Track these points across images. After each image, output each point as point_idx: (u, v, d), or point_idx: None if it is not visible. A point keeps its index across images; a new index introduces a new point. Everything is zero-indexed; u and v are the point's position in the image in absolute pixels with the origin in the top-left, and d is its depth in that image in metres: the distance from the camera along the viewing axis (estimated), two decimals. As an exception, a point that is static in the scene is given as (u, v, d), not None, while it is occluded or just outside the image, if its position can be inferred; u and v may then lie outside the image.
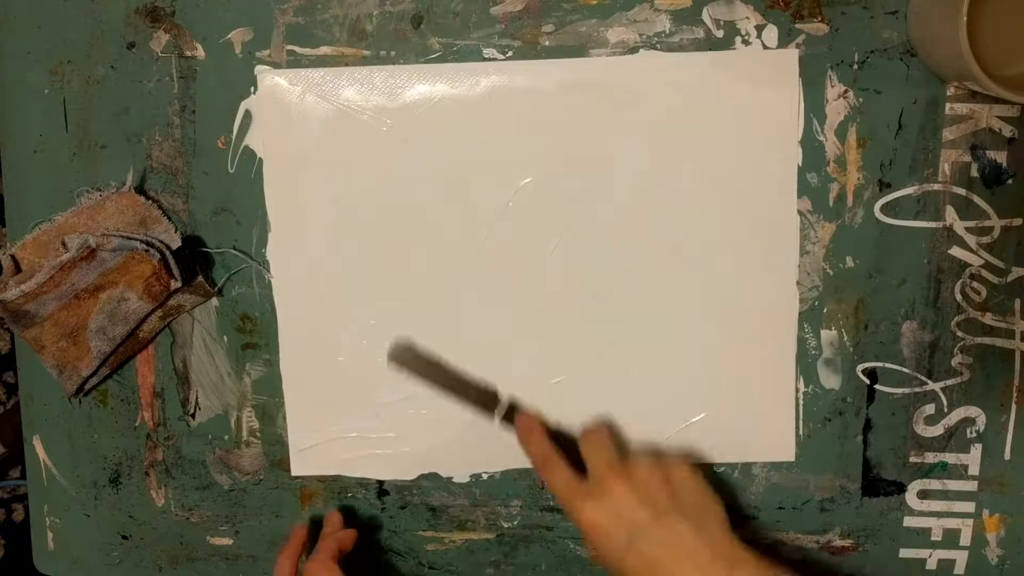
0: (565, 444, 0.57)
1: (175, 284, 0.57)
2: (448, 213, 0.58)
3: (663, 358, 0.60)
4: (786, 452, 0.61)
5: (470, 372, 0.60)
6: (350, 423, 0.61)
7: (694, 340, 0.59)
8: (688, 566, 0.50)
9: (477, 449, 0.61)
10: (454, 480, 0.63)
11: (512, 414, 0.59)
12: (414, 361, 0.59)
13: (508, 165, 0.58)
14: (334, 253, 0.59)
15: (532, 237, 0.58)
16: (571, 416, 0.60)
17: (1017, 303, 0.59)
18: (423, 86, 0.57)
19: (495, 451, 0.61)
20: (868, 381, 0.60)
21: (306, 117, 0.57)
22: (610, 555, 0.52)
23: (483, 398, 0.59)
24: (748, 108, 0.57)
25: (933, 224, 0.58)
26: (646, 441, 0.60)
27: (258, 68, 0.57)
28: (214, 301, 0.61)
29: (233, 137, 0.59)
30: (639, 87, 0.57)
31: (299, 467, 0.62)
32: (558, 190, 0.58)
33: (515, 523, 0.63)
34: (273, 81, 0.57)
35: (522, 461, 0.58)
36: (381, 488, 0.63)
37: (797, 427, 0.60)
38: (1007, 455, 0.61)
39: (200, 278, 0.59)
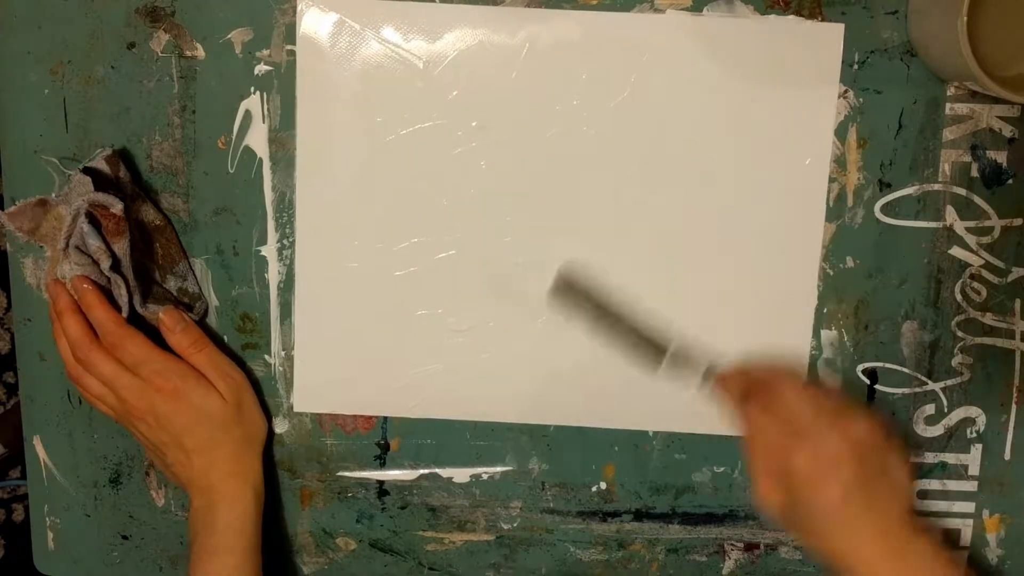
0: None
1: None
2: (477, 157, 0.58)
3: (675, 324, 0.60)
4: None
5: (637, 315, 0.58)
6: (359, 352, 0.61)
7: (708, 312, 0.59)
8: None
9: (484, 395, 0.61)
10: (454, 480, 0.63)
11: (682, 360, 0.57)
12: (578, 296, 0.57)
13: (539, 113, 0.58)
14: (359, 188, 0.59)
15: (556, 186, 0.58)
16: (582, 368, 0.60)
17: (1017, 303, 0.59)
18: (463, 28, 0.57)
19: (500, 400, 0.61)
20: (868, 381, 0.60)
21: (342, 49, 0.57)
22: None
23: (648, 343, 0.57)
24: (785, 79, 0.56)
25: (933, 224, 0.58)
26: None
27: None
28: (214, 300, 0.61)
29: (233, 137, 0.59)
30: (677, 47, 0.56)
31: (302, 403, 0.62)
32: (585, 142, 0.58)
33: (515, 525, 0.63)
34: (313, 4, 0.57)
35: (526, 416, 0.60)
36: (381, 488, 0.63)
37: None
38: (1007, 455, 0.61)
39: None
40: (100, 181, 0.56)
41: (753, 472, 0.52)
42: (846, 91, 0.57)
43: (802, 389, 0.52)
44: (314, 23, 0.57)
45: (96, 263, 0.55)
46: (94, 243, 0.54)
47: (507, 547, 0.64)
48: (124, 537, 0.65)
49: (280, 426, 0.62)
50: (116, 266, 0.55)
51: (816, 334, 0.59)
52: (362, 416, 0.62)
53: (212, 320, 0.61)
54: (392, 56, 0.57)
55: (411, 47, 0.57)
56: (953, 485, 0.61)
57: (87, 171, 0.56)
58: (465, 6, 0.57)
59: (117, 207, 0.54)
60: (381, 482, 0.63)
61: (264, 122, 0.58)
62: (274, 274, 0.60)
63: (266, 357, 0.61)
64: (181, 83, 0.58)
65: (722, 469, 0.62)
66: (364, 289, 0.60)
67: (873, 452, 0.50)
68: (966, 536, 0.61)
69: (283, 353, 0.61)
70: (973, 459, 0.61)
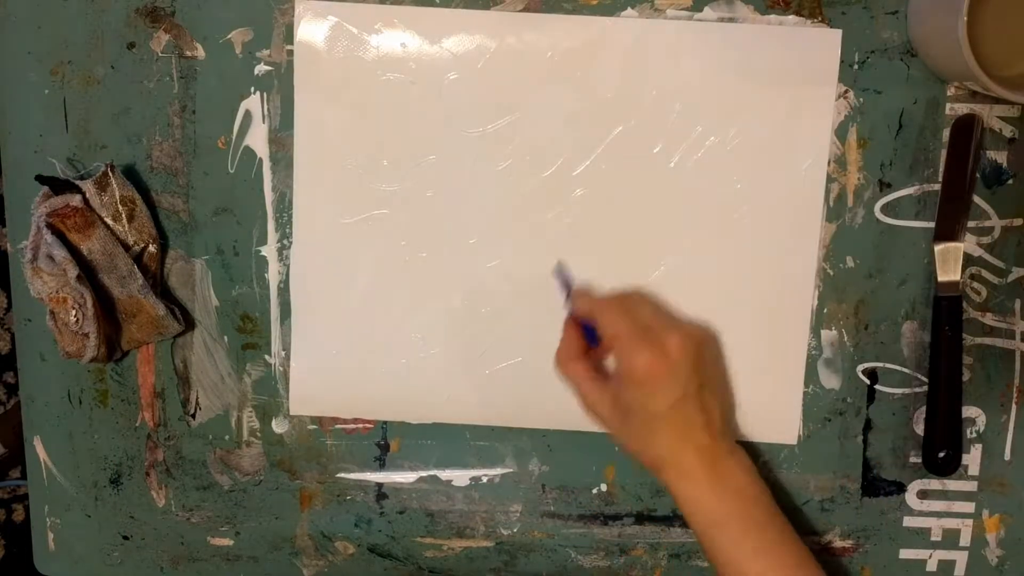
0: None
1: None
2: (476, 160, 0.58)
3: None
4: (789, 436, 0.60)
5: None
6: (354, 357, 0.61)
7: (708, 312, 0.59)
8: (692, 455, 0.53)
9: (483, 400, 0.61)
10: (453, 483, 0.63)
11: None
12: None
13: (537, 116, 0.57)
14: (357, 193, 0.59)
15: (555, 188, 0.58)
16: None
17: (1017, 303, 0.59)
18: (460, 32, 0.57)
19: (499, 405, 0.61)
20: (868, 381, 0.60)
21: (340, 53, 0.57)
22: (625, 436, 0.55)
23: None
24: (783, 82, 0.56)
25: (933, 224, 0.58)
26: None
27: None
28: (214, 301, 0.61)
29: (233, 137, 0.59)
30: (672, 52, 0.56)
31: (298, 406, 0.62)
32: (585, 144, 0.58)
33: (515, 530, 0.63)
34: (310, 9, 0.57)
35: (526, 420, 0.60)
36: (380, 491, 0.63)
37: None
38: (1007, 455, 0.61)
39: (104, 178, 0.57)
40: (58, 185, 0.57)
41: (578, 380, 0.55)
42: (846, 91, 0.57)
43: (646, 297, 0.56)
44: (311, 27, 0.57)
45: (65, 274, 0.55)
46: (59, 253, 0.55)
47: (507, 553, 0.64)
48: (125, 537, 0.65)
49: (280, 426, 0.62)
50: (82, 276, 0.55)
51: (816, 334, 0.59)
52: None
53: (212, 320, 0.61)
54: (389, 61, 0.57)
55: (408, 51, 0.57)
56: (953, 485, 0.61)
57: (42, 180, 0.56)
58: (462, 10, 0.57)
59: (75, 200, 0.55)
60: (380, 484, 0.63)
61: (264, 122, 0.58)
62: (274, 274, 0.60)
63: (266, 357, 0.61)
64: (181, 83, 0.58)
65: (722, 469, 0.61)
66: (360, 294, 0.60)
67: (705, 363, 0.54)
68: (966, 536, 0.61)
69: (283, 353, 0.61)
70: (973, 459, 0.61)
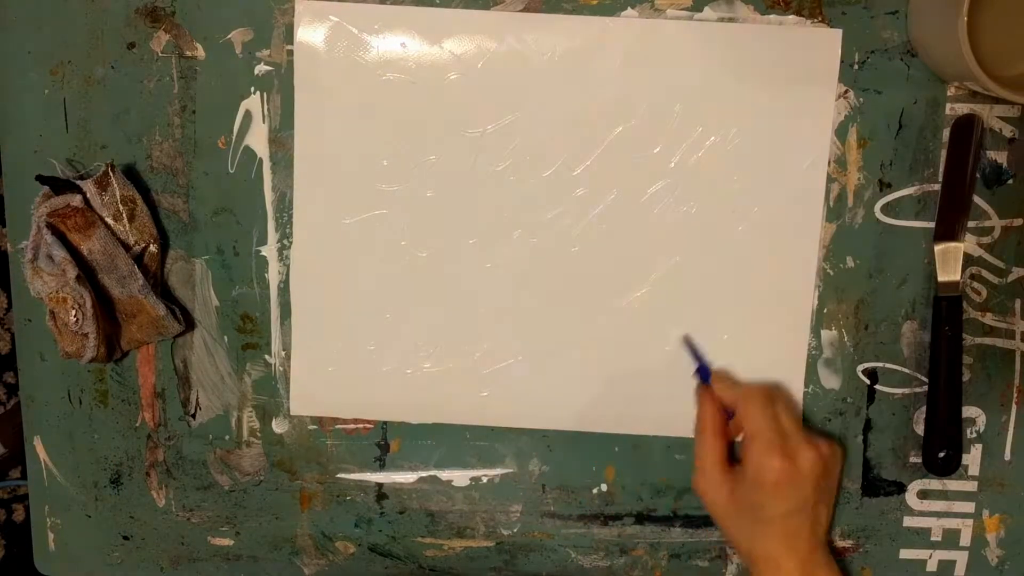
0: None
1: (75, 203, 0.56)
2: (475, 161, 0.58)
3: (672, 328, 0.60)
4: None
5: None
6: (354, 357, 0.61)
7: (708, 312, 0.59)
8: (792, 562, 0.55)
9: (482, 400, 0.61)
10: (453, 484, 0.63)
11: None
12: None
13: (537, 117, 0.57)
14: (357, 193, 0.59)
15: (556, 187, 0.58)
16: (579, 371, 0.60)
17: (1017, 303, 0.59)
18: (461, 33, 0.57)
19: (498, 406, 0.61)
20: (868, 381, 0.60)
21: (340, 53, 0.57)
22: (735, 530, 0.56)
23: None
24: (784, 82, 0.56)
25: (933, 224, 0.58)
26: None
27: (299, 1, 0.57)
28: (214, 301, 0.61)
29: (233, 137, 0.59)
30: (672, 52, 0.56)
31: (298, 406, 0.62)
32: (584, 145, 0.58)
33: (515, 530, 0.63)
34: (310, 9, 0.57)
35: (525, 421, 0.61)
36: (380, 491, 0.63)
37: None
38: (1007, 455, 0.61)
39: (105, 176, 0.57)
40: (59, 185, 0.57)
41: (707, 459, 0.56)
42: (846, 91, 0.57)
43: (787, 400, 0.58)
44: (311, 27, 0.57)
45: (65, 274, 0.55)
46: (59, 253, 0.55)
47: (507, 553, 0.64)
48: (125, 537, 0.65)
49: (280, 426, 0.62)
50: (82, 276, 0.55)
51: (816, 334, 0.59)
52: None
53: (212, 320, 0.61)
54: (389, 61, 0.57)
55: (409, 52, 0.57)
56: (953, 485, 0.61)
57: (42, 180, 0.56)
58: (462, 10, 0.57)
59: (76, 200, 0.55)
60: (380, 484, 0.63)
61: (264, 122, 0.58)
62: (274, 274, 0.60)
63: (266, 357, 0.61)
64: (181, 83, 0.58)
65: (722, 469, 0.61)
66: (361, 294, 0.60)
67: (827, 481, 0.56)
68: (966, 536, 0.61)
69: (283, 353, 0.61)
70: (973, 459, 0.61)
